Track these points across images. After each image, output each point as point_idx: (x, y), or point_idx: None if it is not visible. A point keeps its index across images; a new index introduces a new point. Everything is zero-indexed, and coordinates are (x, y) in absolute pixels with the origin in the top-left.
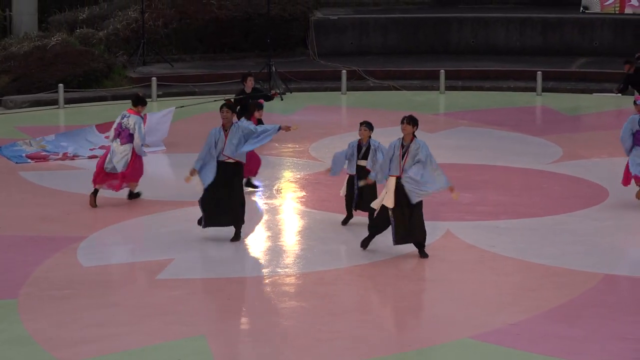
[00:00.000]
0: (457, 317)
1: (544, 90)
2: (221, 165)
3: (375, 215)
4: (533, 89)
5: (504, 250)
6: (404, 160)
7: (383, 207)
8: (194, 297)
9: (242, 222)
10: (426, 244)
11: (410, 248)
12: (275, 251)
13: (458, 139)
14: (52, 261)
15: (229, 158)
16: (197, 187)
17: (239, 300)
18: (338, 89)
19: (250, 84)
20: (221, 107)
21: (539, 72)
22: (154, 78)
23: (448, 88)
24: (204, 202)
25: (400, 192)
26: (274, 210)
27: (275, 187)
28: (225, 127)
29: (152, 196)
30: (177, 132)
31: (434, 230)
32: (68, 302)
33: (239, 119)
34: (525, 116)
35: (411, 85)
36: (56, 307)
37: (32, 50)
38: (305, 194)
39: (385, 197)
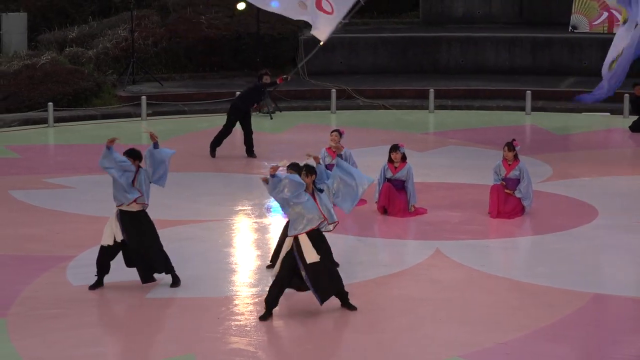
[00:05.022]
0: (447, 336)
1: (533, 109)
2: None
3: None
4: (522, 109)
5: (494, 270)
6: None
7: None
8: (184, 316)
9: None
10: (416, 262)
11: (399, 267)
12: (265, 270)
13: (447, 158)
14: (41, 280)
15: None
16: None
17: (228, 319)
18: (328, 108)
19: (268, 78)
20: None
21: (528, 92)
22: (143, 97)
23: (437, 107)
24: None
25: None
26: (264, 229)
27: (265, 205)
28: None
29: None
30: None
31: (423, 250)
32: (57, 321)
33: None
34: (514, 135)
35: (401, 105)
36: (46, 326)
37: (21, 69)
38: None
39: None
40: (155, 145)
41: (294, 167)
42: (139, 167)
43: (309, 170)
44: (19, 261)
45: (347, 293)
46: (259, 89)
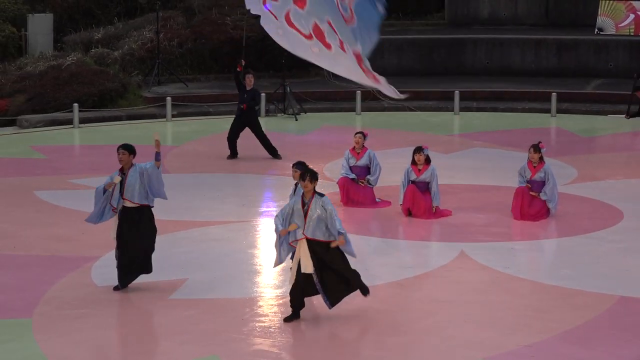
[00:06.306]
0: (471, 338)
1: (559, 111)
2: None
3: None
4: (548, 111)
5: (519, 272)
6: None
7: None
8: (207, 317)
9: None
10: (441, 264)
11: (424, 269)
12: (290, 271)
13: (473, 160)
14: (67, 280)
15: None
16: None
17: (253, 320)
18: (353, 110)
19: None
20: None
21: (553, 94)
22: (168, 98)
23: (463, 109)
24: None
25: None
26: None
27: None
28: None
29: (164, 217)
30: (189, 152)
31: (448, 252)
32: (82, 321)
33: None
34: (539, 137)
35: (426, 106)
36: (70, 327)
37: (47, 70)
38: None
39: (303, 263)
40: (157, 156)
41: (298, 166)
42: (132, 164)
43: (313, 176)
44: (45, 261)
45: (367, 287)
46: (237, 80)
